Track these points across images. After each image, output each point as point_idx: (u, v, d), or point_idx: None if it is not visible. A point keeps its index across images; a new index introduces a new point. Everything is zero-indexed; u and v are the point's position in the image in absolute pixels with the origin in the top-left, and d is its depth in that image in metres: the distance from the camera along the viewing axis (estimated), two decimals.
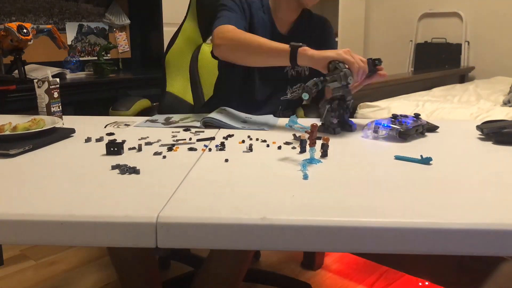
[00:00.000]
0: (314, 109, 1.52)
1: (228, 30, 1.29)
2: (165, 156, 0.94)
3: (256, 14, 1.44)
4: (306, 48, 1.17)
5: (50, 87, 1.26)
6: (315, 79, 1.13)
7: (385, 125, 1.08)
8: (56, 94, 1.28)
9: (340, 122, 1.16)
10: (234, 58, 1.31)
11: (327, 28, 1.57)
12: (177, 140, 1.07)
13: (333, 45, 1.57)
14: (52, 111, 1.27)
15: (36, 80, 1.26)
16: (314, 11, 1.59)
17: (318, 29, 1.54)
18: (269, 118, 1.32)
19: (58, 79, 1.30)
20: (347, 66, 1.11)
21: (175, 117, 1.35)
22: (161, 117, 1.35)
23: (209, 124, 1.24)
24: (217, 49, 1.30)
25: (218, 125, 1.23)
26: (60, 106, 1.30)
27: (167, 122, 1.29)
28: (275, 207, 0.67)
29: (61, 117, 1.28)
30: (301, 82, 1.43)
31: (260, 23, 1.44)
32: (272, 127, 1.23)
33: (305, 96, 1.11)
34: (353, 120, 1.21)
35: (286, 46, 1.18)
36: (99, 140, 1.07)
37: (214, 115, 1.26)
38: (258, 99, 1.48)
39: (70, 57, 2.74)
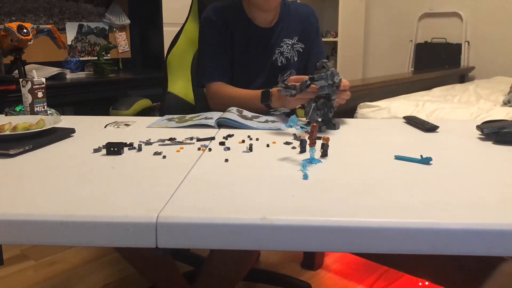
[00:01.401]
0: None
1: (216, 92, 1.49)
2: (165, 156, 0.94)
3: (234, 23, 1.51)
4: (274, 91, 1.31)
5: (34, 86, 1.25)
6: (304, 80, 1.17)
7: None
8: (40, 94, 1.27)
9: (324, 120, 1.20)
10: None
11: (312, 26, 1.59)
12: (177, 141, 1.07)
13: (318, 46, 1.60)
14: (35, 110, 1.26)
15: (21, 79, 1.26)
16: (313, 7, 1.62)
17: (301, 24, 1.57)
18: (281, 118, 1.32)
19: (43, 79, 1.29)
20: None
21: (186, 116, 1.35)
22: (171, 117, 1.35)
23: (222, 124, 1.23)
24: (212, 105, 1.52)
25: (233, 126, 1.22)
26: (45, 106, 1.29)
27: (180, 121, 1.29)
28: (275, 207, 0.67)
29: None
30: (291, 68, 1.55)
31: (238, 29, 1.51)
32: (286, 126, 1.22)
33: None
34: (352, 120, 1.21)
35: (258, 93, 1.35)
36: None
37: (227, 115, 1.25)
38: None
39: (70, 57, 2.74)
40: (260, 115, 1.33)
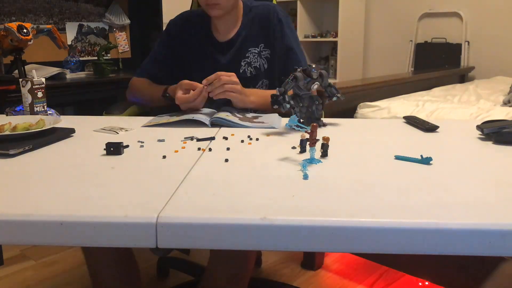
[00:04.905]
0: None
1: (132, 84, 1.61)
2: (165, 156, 0.94)
3: (195, 37, 1.53)
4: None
5: (34, 86, 1.25)
6: (288, 80, 1.19)
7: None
8: (40, 94, 1.27)
9: (311, 117, 1.22)
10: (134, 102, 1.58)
11: (274, 27, 1.47)
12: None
13: (289, 42, 1.47)
14: (35, 110, 1.26)
15: (21, 79, 1.26)
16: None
17: (263, 28, 1.48)
18: (274, 117, 1.32)
19: (43, 79, 1.29)
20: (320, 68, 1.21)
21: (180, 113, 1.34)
22: (162, 116, 1.34)
23: (217, 124, 1.23)
24: (127, 96, 1.62)
25: (227, 125, 1.22)
26: (45, 106, 1.29)
27: (175, 115, 1.28)
28: (275, 207, 0.67)
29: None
30: (262, 77, 1.49)
31: (199, 43, 1.53)
32: (279, 126, 1.22)
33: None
34: (352, 120, 1.21)
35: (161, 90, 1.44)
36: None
37: (221, 115, 1.25)
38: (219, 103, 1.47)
39: (70, 57, 2.75)
40: (251, 114, 1.33)
